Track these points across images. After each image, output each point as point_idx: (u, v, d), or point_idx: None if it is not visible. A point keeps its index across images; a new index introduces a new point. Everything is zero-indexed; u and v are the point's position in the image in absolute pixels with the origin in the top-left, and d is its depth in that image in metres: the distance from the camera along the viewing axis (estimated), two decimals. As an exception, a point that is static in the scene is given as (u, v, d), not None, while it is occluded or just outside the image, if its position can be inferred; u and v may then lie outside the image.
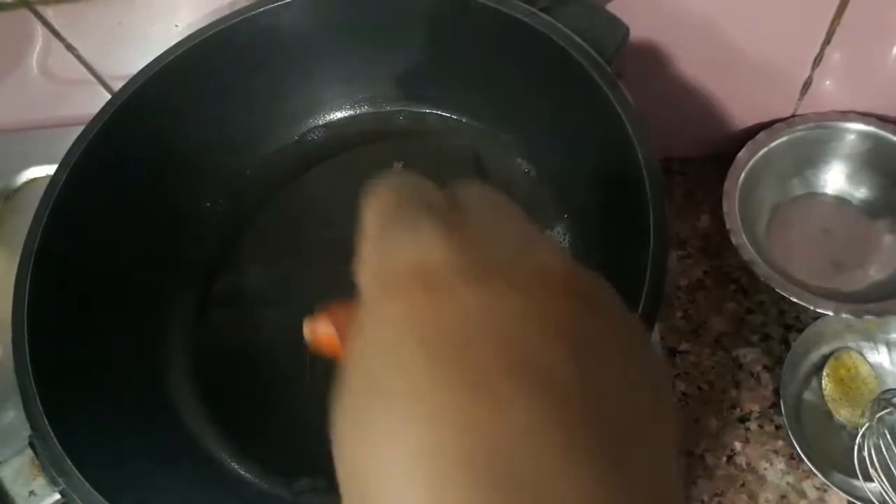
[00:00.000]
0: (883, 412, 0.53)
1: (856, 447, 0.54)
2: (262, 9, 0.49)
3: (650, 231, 0.37)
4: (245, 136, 0.55)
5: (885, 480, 0.51)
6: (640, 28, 0.54)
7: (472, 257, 0.19)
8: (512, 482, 0.15)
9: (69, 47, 0.58)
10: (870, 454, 0.53)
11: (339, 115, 0.55)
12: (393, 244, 0.20)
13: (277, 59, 0.51)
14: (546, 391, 0.16)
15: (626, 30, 0.45)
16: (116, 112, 0.49)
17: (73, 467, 0.39)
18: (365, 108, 0.55)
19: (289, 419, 0.47)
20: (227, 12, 0.51)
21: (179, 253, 0.53)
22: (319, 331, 0.26)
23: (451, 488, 0.15)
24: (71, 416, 0.41)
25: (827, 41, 0.56)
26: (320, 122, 0.55)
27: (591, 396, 0.17)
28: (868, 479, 0.53)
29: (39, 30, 0.56)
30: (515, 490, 0.15)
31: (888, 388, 0.58)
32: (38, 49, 0.58)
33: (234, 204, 0.55)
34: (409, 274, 0.19)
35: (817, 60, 0.58)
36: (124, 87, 0.49)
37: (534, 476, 0.15)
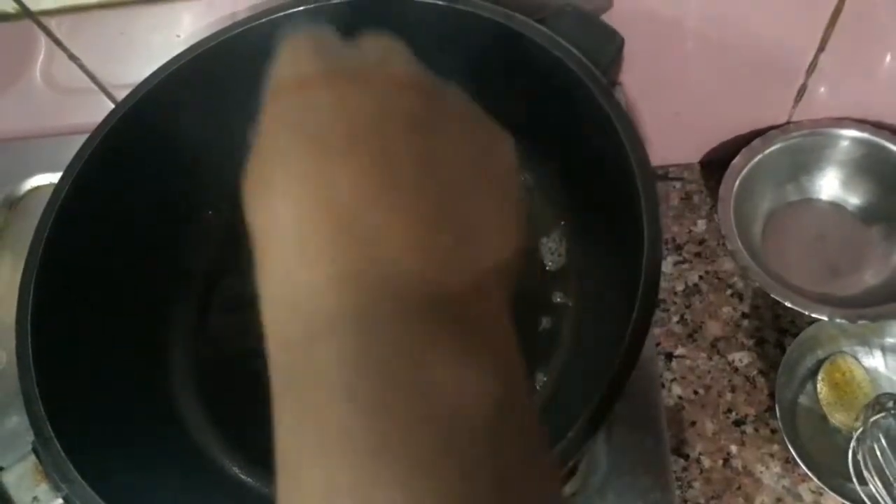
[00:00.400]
0: (877, 416, 0.54)
1: (850, 451, 0.54)
2: (263, 20, 0.50)
3: (644, 239, 0.37)
4: (246, 144, 0.55)
5: (879, 483, 0.52)
6: (638, 37, 0.54)
7: (342, 70, 0.23)
8: (354, 229, 0.21)
9: (72, 57, 0.58)
10: (864, 457, 0.53)
11: None
12: (286, 68, 0.25)
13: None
14: (380, 159, 0.22)
15: (622, 40, 0.46)
16: (119, 121, 0.49)
17: (75, 473, 0.39)
18: None
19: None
20: (228, 23, 0.51)
21: (182, 260, 0.54)
22: None
23: (317, 234, 0.21)
24: (74, 422, 0.42)
25: (821, 49, 0.57)
26: None
27: (417, 166, 0.22)
28: (862, 482, 0.53)
29: (43, 40, 0.57)
30: (355, 234, 0.21)
31: (883, 392, 0.58)
32: (41, 59, 0.59)
33: (236, 211, 0.56)
34: (291, 82, 0.24)
35: (811, 68, 0.59)
36: (127, 96, 0.50)
37: (368, 226, 0.21)
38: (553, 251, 0.52)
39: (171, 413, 0.49)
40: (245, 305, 0.53)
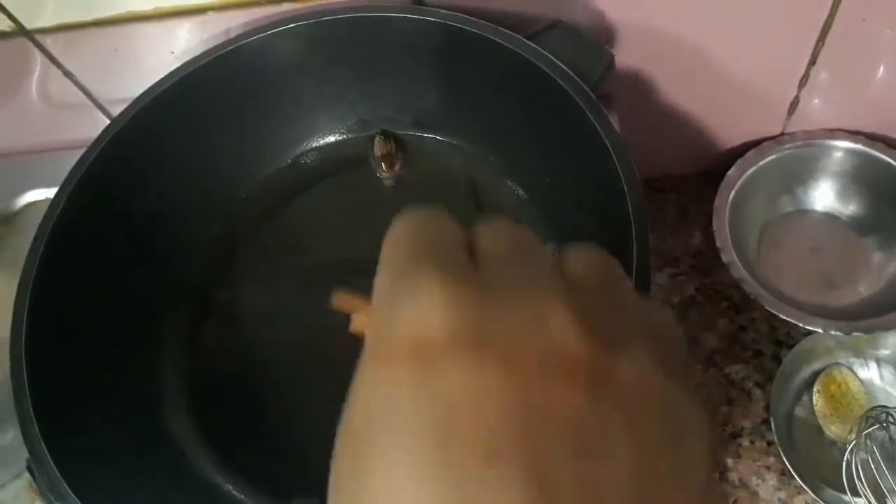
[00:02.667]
0: (870, 429, 0.54)
1: (844, 463, 0.54)
2: (256, 37, 0.50)
3: (633, 255, 0.37)
4: (240, 159, 0.56)
5: (871, 496, 0.52)
6: (631, 49, 0.55)
7: (472, 319, 0.17)
8: None
9: (67, 74, 0.58)
10: (857, 470, 0.53)
11: (331, 138, 0.56)
12: (394, 301, 0.18)
13: (271, 85, 0.52)
14: (520, 485, 0.15)
15: (611, 57, 0.46)
16: (114, 138, 0.50)
17: (70, 491, 0.39)
18: (357, 132, 0.56)
19: (283, 440, 0.48)
20: (221, 39, 0.52)
21: (176, 276, 0.54)
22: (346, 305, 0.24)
23: None
24: (68, 440, 0.42)
25: (812, 62, 0.57)
26: (313, 146, 0.56)
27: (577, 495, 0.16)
28: (856, 494, 0.53)
29: (38, 57, 0.57)
30: None
31: (877, 403, 0.58)
32: (37, 75, 0.59)
33: (230, 226, 0.56)
34: (401, 340, 0.17)
35: (803, 81, 0.59)
36: (122, 113, 0.50)
37: None
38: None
39: (164, 431, 0.49)
40: (238, 323, 0.53)
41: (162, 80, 0.51)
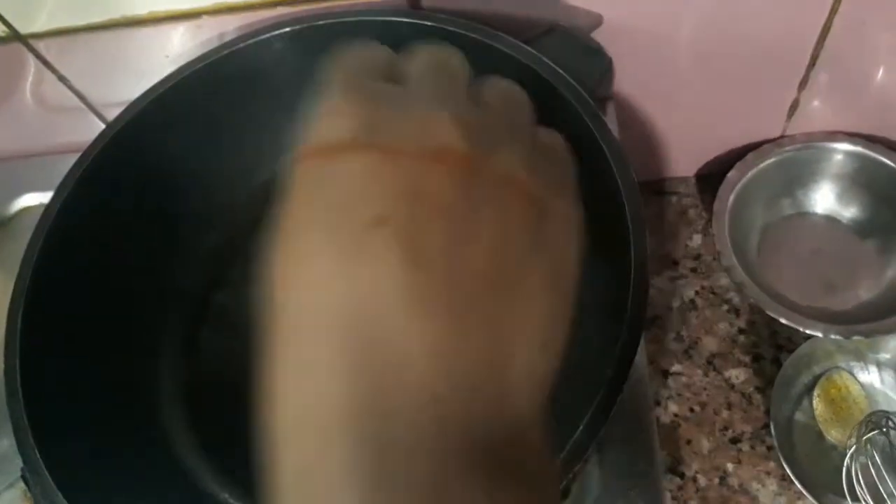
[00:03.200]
0: (870, 433, 0.54)
1: (844, 468, 0.54)
2: (250, 41, 0.49)
3: (631, 262, 0.37)
4: (236, 163, 0.55)
5: (871, 501, 0.52)
6: (630, 52, 0.54)
7: (370, 126, 0.21)
8: (367, 334, 0.19)
9: (62, 78, 0.58)
10: (857, 475, 0.53)
11: None
12: (313, 117, 0.23)
13: (267, 89, 0.52)
14: (397, 246, 0.19)
15: (609, 60, 0.45)
16: (109, 142, 0.49)
17: (64, 500, 0.39)
18: None
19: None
20: (216, 43, 0.51)
21: (171, 281, 0.54)
22: None
23: (328, 338, 0.19)
24: (63, 448, 0.42)
25: (812, 64, 0.56)
26: None
27: (452, 260, 0.20)
28: (856, 499, 0.53)
29: (32, 61, 0.57)
30: (368, 340, 0.19)
31: (878, 408, 0.58)
32: (31, 79, 0.59)
33: (227, 231, 0.56)
34: (312, 144, 0.22)
35: (803, 83, 0.58)
36: (117, 117, 0.50)
37: (383, 331, 0.19)
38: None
39: (161, 438, 0.49)
40: (237, 325, 0.53)
41: (157, 84, 0.50)
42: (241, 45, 0.50)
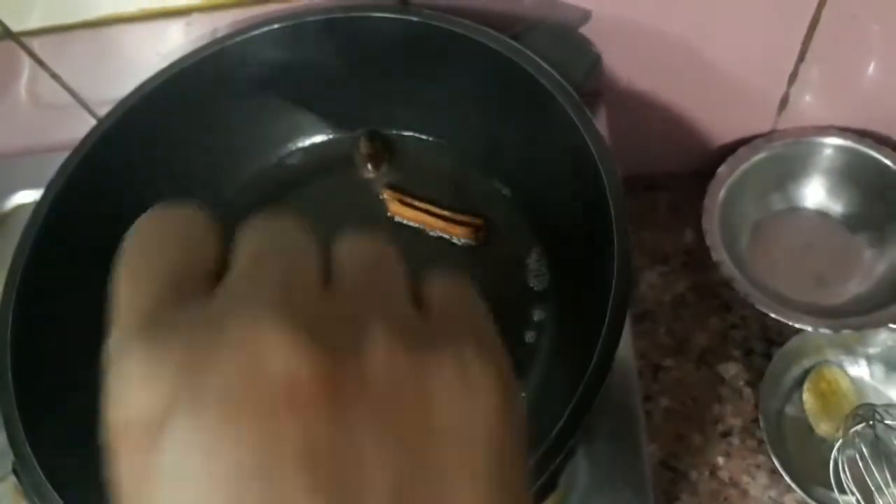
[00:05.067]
0: (858, 426, 0.54)
1: (832, 460, 0.54)
2: (240, 38, 0.50)
3: (614, 257, 0.37)
4: (226, 159, 0.55)
5: (859, 494, 0.52)
6: (620, 48, 0.55)
7: (179, 383, 0.16)
8: None
9: (54, 76, 0.58)
10: (844, 467, 0.53)
11: (318, 138, 0.56)
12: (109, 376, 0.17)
13: (257, 86, 0.52)
14: None
15: (597, 55, 0.46)
16: (99, 139, 0.50)
17: (55, 494, 0.39)
18: (343, 133, 0.56)
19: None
20: (208, 40, 0.52)
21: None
22: None
23: None
24: (54, 442, 0.42)
25: (800, 59, 0.57)
26: (299, 146, 0.56)
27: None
28: (843, 492, 0.53)
29: (25, 59, 0.57)
30: None
31: (867, 401, 0.58)
32: (25, 77, 0.59)
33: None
34: (114, 429, 0.17)
35: (792, 78, 0.59)
36: (107, 114, 0.50)
37: None
38: (536, 270, 0.51)
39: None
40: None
41: (147, 80, 0.50)
42: (231, 42, 0.50)
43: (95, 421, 0.44)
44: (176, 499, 0.15)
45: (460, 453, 0.16)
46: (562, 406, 0.37)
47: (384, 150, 0.54)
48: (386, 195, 0.53)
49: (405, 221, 0.53)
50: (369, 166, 0.54)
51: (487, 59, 0.45)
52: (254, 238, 0.19)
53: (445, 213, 0.52)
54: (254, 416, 0.15)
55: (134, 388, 0.16)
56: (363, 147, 0.54)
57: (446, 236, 0.52)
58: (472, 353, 0.18)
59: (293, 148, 0.56)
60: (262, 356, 0.15)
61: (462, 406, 0.17)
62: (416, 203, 0.52)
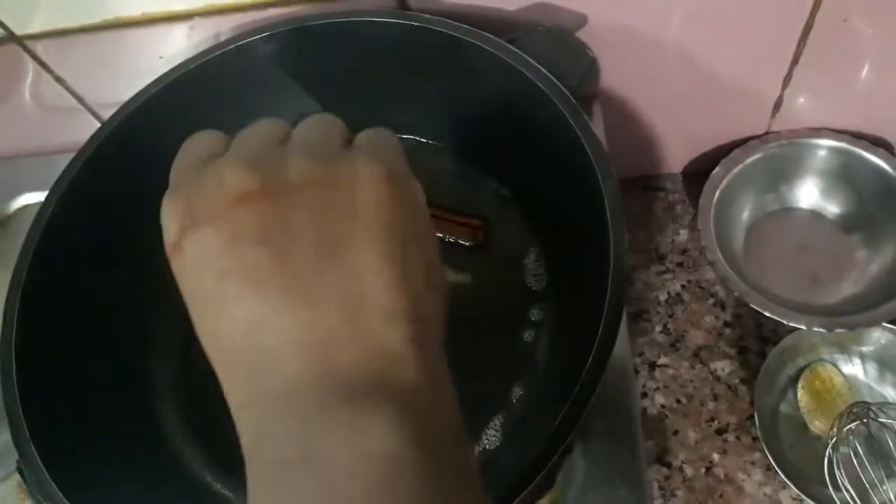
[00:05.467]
0: (851, 424, 0.55)
1: (826, 458, 0.55)
2: (241, 42, 0.50)
3: (610, 252, 0.38)
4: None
5: (853, 491, 0.53)
6: (615, 50, 0.55)
7: (188, 207, 0.26)
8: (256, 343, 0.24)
9: (58, 79, 0.59)
10: (838, 465, 0.54)
11: None
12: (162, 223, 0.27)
13: (257, 89, 0.53)
14: (246, 292, 0.24)
15: (593, 59, 0.46)
16: (103, 142, 0.50)
17: (59, 493, 0.40)
18: None
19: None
20: (210, 44, 0.52)
21: (164, 276, 0.54)
22: None
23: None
24: (58, 441, 0.42)
25: (795, 61, 0.57)
26: None
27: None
28: (838, 489, 0.54)
29: (29, 62, 0.58)
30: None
31: (861, 399, 0.59)
32: (29, 80, 0.60)
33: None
34: (166, 246, 0.26)
35: (787, 80, 0.59)
36: (111, 117, 0.51)
37: (266, 337, 0.24)
38: (534, 270, 0.52)
39: (154, 430, 0.50)
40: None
41: (150, 84, 0.51)
42: (233, 46, 0.51)
43: (98, 419, 0.45)
44: (195, 274, 0.25)
45: (357, 223, 0.25)
46: (559, 404, 0.38)
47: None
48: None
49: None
50: None
51: (486, 62, 0.46)
52: (244, 130, 0.29)
53: (444, 213, 0.53)
54: (224, 216, 0.25)
55: (167, 222, 0.26)
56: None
57: (445, 236, 0.53)
58: (366, 159, 0.27)
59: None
60: (225, 182, 0.25)
61: (356, 192, 0.26)
62: None
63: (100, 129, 0.51)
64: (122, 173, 0.51)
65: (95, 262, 0.51)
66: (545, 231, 0.52)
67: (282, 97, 0.54)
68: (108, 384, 0.49)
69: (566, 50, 0.47)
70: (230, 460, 0.48)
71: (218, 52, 0.51)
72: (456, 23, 0.47)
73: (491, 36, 0.46)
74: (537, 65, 0.44)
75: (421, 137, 0.56)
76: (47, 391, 0.45)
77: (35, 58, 0.57)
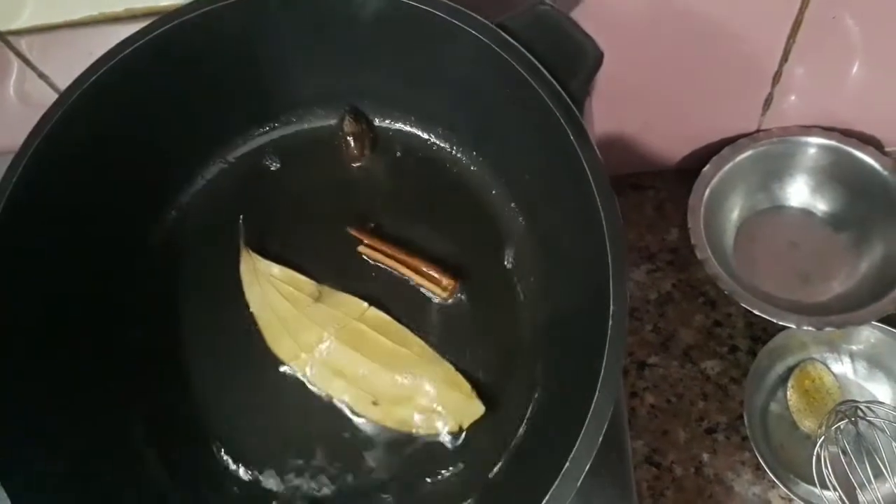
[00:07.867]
0: (839, 423, 0.54)
1: (814, 457, 0.55)
2: (207, 7, 0.47)
3: (608, 261, 0.37)
4: (192, 144, 0.53)
5: (840, 490, 0.52)
6: (607, 46, 0.55)
7: None
8: None
9: (41, 76, 0.58)
10: (826, 463, 0.54)
11: (294, 123, 0.54)
12: None
13: (226, 64, 0.48)
14: None
15: (600, 54, 0.45)
16: (63, 114, 0.49)
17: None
18: (322, 118, 0.54)
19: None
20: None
21: (129, 267, 0.52)
22: None
23: None
24: (17, 467, 0.41)
25: (784, 59, 0.57)
26: (276, 134, 0.55)
27: None
28: (826, 488, 0.54)
29: (13, 59, 0.57)
30: None
31: (848, 398, 0.59)
32: (13, 77, 0.59)
33: (184, 216, 0.54)
34: None
35: (776, 78, 0.59)
36: (69, 87, 0.49)
37: None
38: (525, 276, 0.51)
39: (130, 453, 0.48)
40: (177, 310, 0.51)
41: (100, 59, 0.49)
42: (195, 12, 0.47)
43: (62, 444, 0.42)
44: None
45: None
46: (559, 449, 0.37)
47: (369, 129, 0.53)
48: (354, 233, 0.52)
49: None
50: (353, 149, 0.52)
51: (473, 48, 0.44)
52: None
53: (416, 262, 0.50)
54: None
55: None
56: (348, 126, 0.52)
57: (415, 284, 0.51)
58: None
59: (268, 131, 0.55)
60: None
61: None
62: (385, 249, 0.51)
63: (59, 99, 0.49)
64: (76, 160, 0.48)
65: (63, 256, 0.47)
66: (539, 230, 0.51)
67: (254, 73, 0.50)
68: (67, 389, 0.47)
69: (570, 41, 0.44)
70: (188, 463, 0.47)
71: (177, 21, 0.47)
72: (444, 1, 0.45)
73: (480, 18, 0.42)
74: (532, 59, 0.42)
75: (415, 129, 0.54)
76: (11, 414, 0.43)
77: (19, 54, 0.57)
